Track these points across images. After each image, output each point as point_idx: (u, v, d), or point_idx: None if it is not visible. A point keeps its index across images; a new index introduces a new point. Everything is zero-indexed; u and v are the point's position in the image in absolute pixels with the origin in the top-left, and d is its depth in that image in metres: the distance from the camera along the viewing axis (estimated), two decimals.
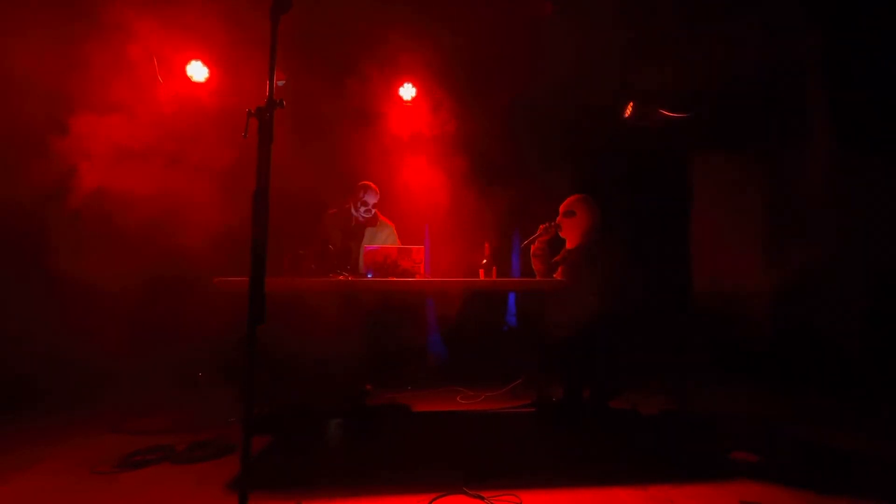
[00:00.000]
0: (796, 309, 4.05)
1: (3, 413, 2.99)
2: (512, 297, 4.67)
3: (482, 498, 1.77)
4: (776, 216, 4.24)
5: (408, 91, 4.64)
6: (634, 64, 4.30)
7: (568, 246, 2.94)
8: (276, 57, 1.49)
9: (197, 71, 4.14)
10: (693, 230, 4.50)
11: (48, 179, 3.46)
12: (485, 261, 2.91)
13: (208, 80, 4.19)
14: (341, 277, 2.67)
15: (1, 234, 3.47)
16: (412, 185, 4.52)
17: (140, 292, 3.73)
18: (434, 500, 1.76)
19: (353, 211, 3.42)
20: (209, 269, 2.72)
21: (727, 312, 4.26)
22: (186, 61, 4.10)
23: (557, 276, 2.80)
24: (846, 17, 3.76)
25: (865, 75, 3.74)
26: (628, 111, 4.44)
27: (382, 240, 3.50)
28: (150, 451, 2.24)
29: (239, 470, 1.40)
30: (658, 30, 4.12)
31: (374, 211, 3.45)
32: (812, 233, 4.04)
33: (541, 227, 2.96)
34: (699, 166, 4.51)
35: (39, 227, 3.54)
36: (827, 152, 3.98)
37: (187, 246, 3.92)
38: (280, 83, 4.15)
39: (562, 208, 2.96)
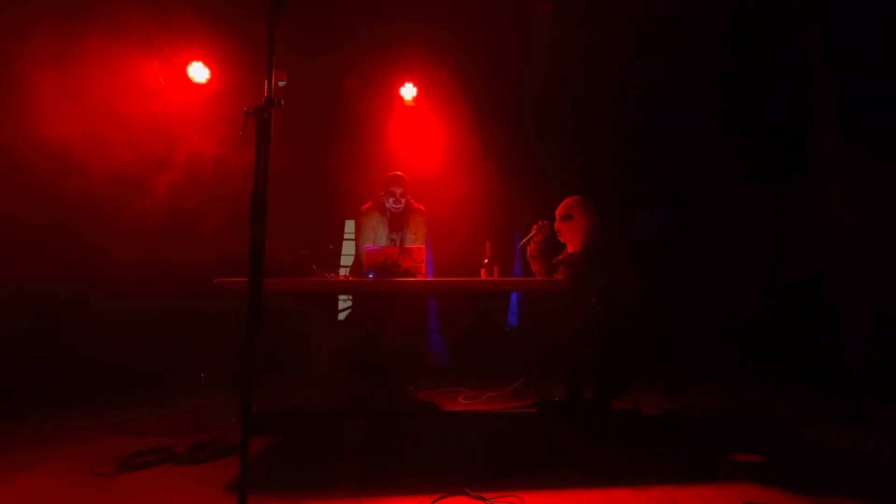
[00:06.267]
0: (800, 307, 4.03)
1: (3, 413, 2.99)
2: (514, 297, 4.66)
3: (484, 499, 1.75)
4: (779, 213, 4.22)
5: (409, 91, 4.63)
6: (637, 61, 4.29)
7: (569, 250, 2.93)
8: (273, 56, 1.48)
9: (198, 72, 4.14)
10: (696, 228, 4.47)
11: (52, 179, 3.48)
12: (486, 260, 2.90)
13: (209, 81, 4.19)
14: (341, 277, 2.66)
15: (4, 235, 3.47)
16: (413, 184, 4.51)
17: (140, 292, 3.73)
18: (436, 501, 1.75)
19: (386, 204, 3.39)
20: (211, 268, 2.71)
21: (730, 311, 4.23)
22: (187, 62, 4.10)
23: (558, 276, 2.79)
24: (850, 13, 3.74)
25: (870, 71, 3.72)
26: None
27: (422, 224, 3.49)
28: (150, 453, 2.22)
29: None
30: (660, 28, 4.11)
31: (403, 201, 3.40)
32: (815, 230, 4.02)
33: (534, 226, 2.94)
34: (702, 163, 4.48)
35: (43, 226, 3.55)
36: (831, 147, 3.96)
37: (190, 246, 3.94)
38: (281, 83, 4.14)
39: (558, 212, 2.93)
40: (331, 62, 4.41)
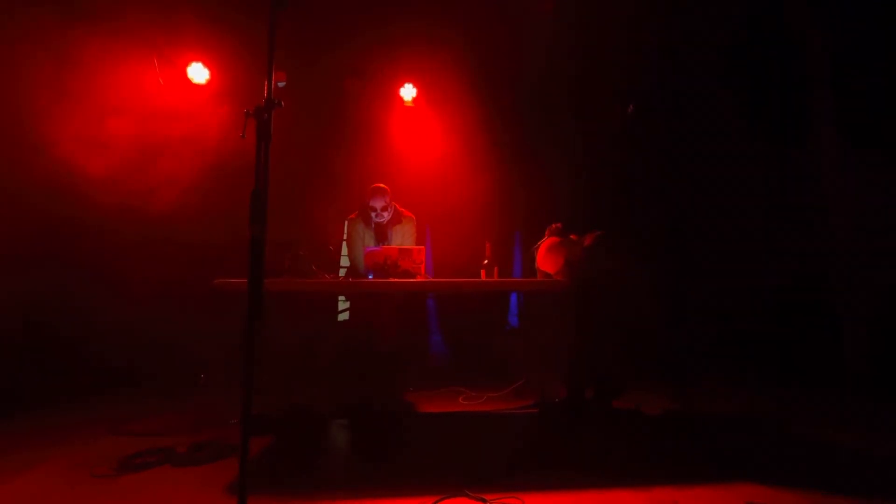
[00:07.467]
0: (801, 306, 4.02)
1: (3, 413, 2.99)
2: (514, 297, 4.65)
3: (484, 500, 1.75)
4: (781, 211, 4.22)
5: (408, 91, 4.63)
6: (638, 60, 4.29)
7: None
8: (273, 56, 1.48)
9: (198, 73, 4.14)
10: (698, 226, 4.47)
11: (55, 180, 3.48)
12: (486, 261, 2.90)
13: (209, 82, 4.19)
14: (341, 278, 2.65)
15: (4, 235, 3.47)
16: (412, 185, 4.51)
17: (140, 292, 3.73)
18: (436, 502, 1.75)
19: (370, 216, 3.37)
20: (212, 268, 2.71)
21: (732, 310, 4.23)
22: (187, 63, 4.10)
23: (559, 276, 2.78)
24: (849, 11, 3.74)
25: (868, 71, 3.72)
26: (630, 110, 4.42)
27: (410, 233, 3.44)
28: (151, 453, 2.22)
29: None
30: (660, 26, 4.11)
31: (385, 214, 3.35)
32: (816, 228, 4.02)
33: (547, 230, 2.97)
34: (703, 161, 4.48)
35: (42, 226, 3.55)
36: (831, 147, 3.95)
37: (190, 245, 3.94)
38: (280, 84, 4.13)
39: (554, 270, 2.83)
40: (331, 62, 4.40)
